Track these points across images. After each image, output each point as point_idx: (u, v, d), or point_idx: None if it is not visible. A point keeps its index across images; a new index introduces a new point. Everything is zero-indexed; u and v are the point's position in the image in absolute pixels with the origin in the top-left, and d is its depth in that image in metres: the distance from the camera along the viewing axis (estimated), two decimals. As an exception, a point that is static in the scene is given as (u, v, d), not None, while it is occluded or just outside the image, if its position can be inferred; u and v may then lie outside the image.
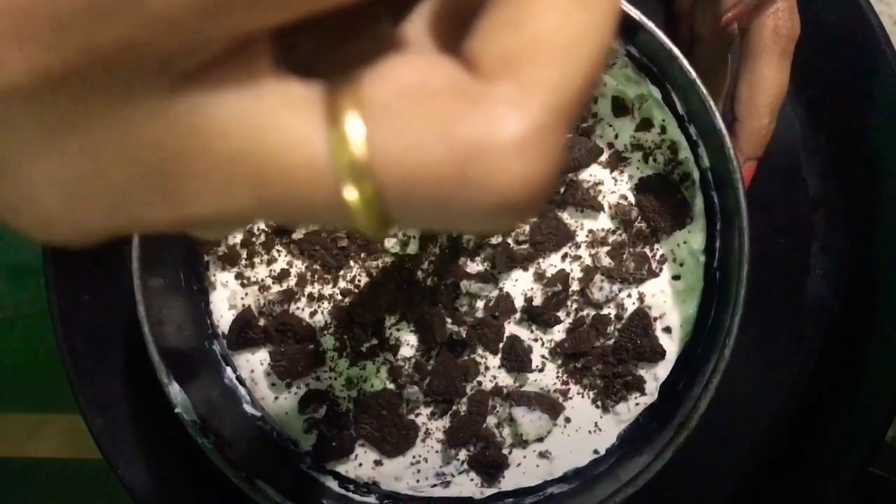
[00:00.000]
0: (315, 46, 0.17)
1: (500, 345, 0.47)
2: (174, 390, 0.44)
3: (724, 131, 0.41)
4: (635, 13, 0.41)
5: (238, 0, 0.14)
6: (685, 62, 0.41)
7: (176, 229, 0.17)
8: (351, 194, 0.15)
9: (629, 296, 0.47)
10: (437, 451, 0.48)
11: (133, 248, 0.43)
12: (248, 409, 0.49)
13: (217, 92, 0.15)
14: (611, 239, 0.47)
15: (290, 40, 0.16)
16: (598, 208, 0.47)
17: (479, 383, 0.48)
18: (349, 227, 0.16)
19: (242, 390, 0.49)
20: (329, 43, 0.17)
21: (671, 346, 0.47)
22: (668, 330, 0.47)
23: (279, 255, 0.49)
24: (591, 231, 0.47)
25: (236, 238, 0.49)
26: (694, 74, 0.41)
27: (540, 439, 0.48)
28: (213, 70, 0.15)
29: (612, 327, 0.47)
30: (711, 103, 0.41)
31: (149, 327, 0.43)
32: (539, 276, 0.47)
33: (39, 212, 0.16)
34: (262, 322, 0.49)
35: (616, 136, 0.47)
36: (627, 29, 0.43)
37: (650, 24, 0.41)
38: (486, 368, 0.48)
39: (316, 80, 0.16)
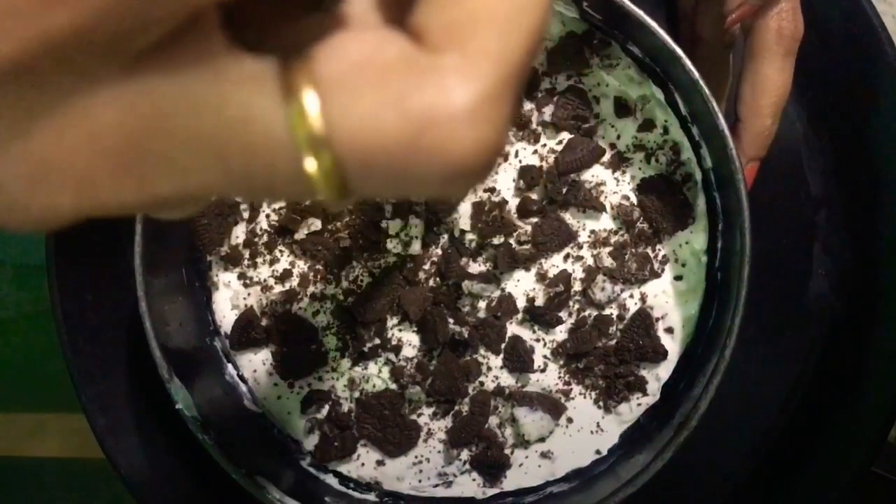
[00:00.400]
0: (262, 23, 0.17)
1: (502, 345, 0.47)
2: (175, 386, 0.44)
3: (727, 132, 0.41)
4: (638, 12, 0.41)
5: None
6: (688, 62, 0.41)
7: (143, 210, 0.17)
8: (311, 166, 0.16)
9: (631, 296, 0.47)
10: (439, 452, 0.48)
11: (136, 245, 0.43)
12: (249, 405, 0.49)
13: (173, 71, 0.15)
14: (613, 239, 0.47)
15: (238, 17, 0.17)
16: (600, 209, 0.47)
17: (481, 383, 0.48)
18: (310, 198, 0.17)
19: (243, 387, 0.49)
20: (275, 19, 0.17)
21: (673, 346, 0.47)
22: (670, 330, 0.47)
23: (281, 256, 0.49)
24: (593, 231, 0.47)
25: (238, 238, 0.49)
26: (697, 75, 0.41)
27: (542, 439, 0.48)
28: (167, 50, 0.15)
29: (613, 328, 0.47)
30: (714, 104, 0.41)
31: (150, 323, 0.43)
32: (541, 277, 0.47)
33: (3, 198, 0.16)
34: (264, 322, 0.49)
35: (618, 137, 0.47)
36: (630, 28, 0.43)
37: (653, 24, 0.41)
38: (489, 369, 0.48)
39: (269, 55, 0.16)
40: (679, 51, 0.41)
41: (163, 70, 0.15)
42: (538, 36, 0.16)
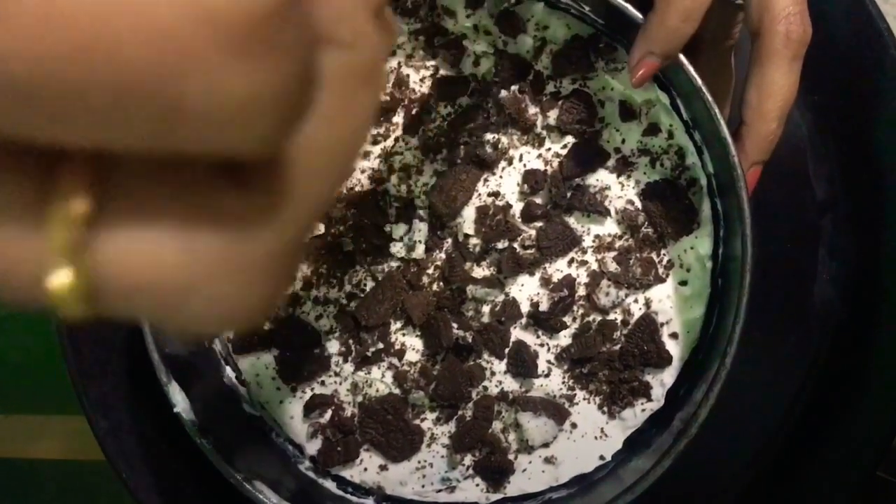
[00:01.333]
0: None
1: (506, 350, 0.47)
2: (173, 390, 0.44)
3: (729, 139, 0.40)
4: (638, 15, 0.41)
5: None
6: (690, 68, 0.41)
7: None
8: (58, 281, 0.14)
9: (636, 301, 0.47)
10: (442, 457, 0.48)
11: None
12: (248, 408, 0.49)
13: None
14: (617, 244, 0.47)
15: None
16: (604, 213, 0.47)
17: (485, 388, 0.48)
18: (29, 306, 0.15)
19: (242, 390, 0.49)
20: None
21: (678, 352, 0.47)
22: (674, 336, 0.47)
23: (284, 259, 0.49)
24: (597, 236, 0.47)
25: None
26: (699, 81, 0.41)
27: (546, 445, 0.47)
28: None
29: (618, 333, 0.47)
30: (716, 111, 0.40)
31: (149, 325, 0.43)
32: (545, 281, 0.47)
33: None
34: (267, 326, 0.49)
35: (623, 141, 0.47)
36: (631, 33, 0.43)
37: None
38: (492, 373, 0.48)
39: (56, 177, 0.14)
40: (681, 56, 0.41)
41: None
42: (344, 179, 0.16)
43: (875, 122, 0.50)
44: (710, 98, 0.41)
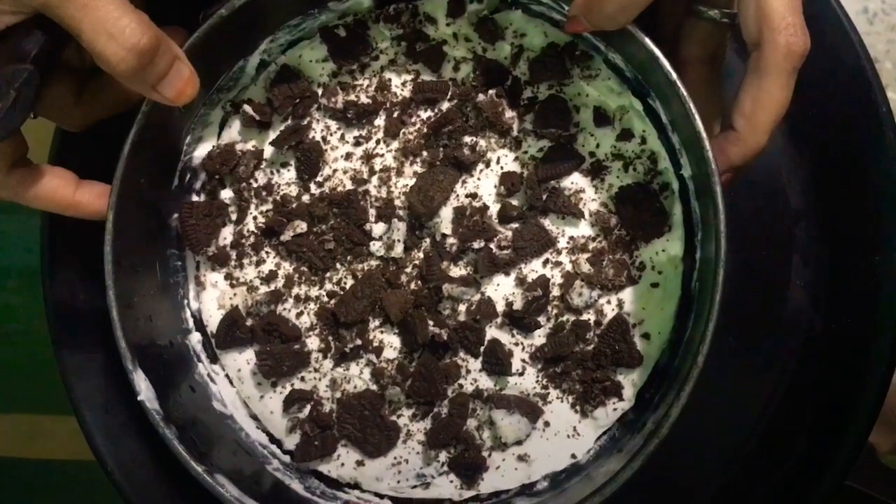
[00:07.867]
0: None
1: (481, 348, 0.48)
2: (138, 378, 0.44)
3: (703, 133, 0.40)
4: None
5: None
6: (665, 62, 0.41)
7: None
8: None
9: (608, 302, 0.48)
10: (417, 453, 0.49)
11: (106, 234, 0.44)
12: (218, 406, 0.50)
13: None
14: (591, 246, 0.48)
15: None
16: (578, 215, 0.48)
17: (460, 386, 0.49)
18: None
19: (213, 388, 0.50)
20: None
21: (649, 352, 0.47)
22: (646, 336, 0.47)
23: (268, 257, 0.50)
24: (571, 238, 0.48)
25: (226, 239, 0.50)
26: (675, 76, 0.41)
27: (519, 442, 0.48)
28: None
29: (591, 333, 0.48)
30: (691, 105, 0.40)
31: (117, 311, 0.44)
32: (520, 281, 0.48)
33: None
34: (249, 322, 0.50)
35: (597, 146, 0.48)
36: (609, 32, 0.44)
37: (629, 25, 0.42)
38: (468, 371, 0.49)
39: None
40: (657, 50, 0.41)
41: None
42: None
43: (848, 130, 0.51)
44: (685, 93, 0.41)
